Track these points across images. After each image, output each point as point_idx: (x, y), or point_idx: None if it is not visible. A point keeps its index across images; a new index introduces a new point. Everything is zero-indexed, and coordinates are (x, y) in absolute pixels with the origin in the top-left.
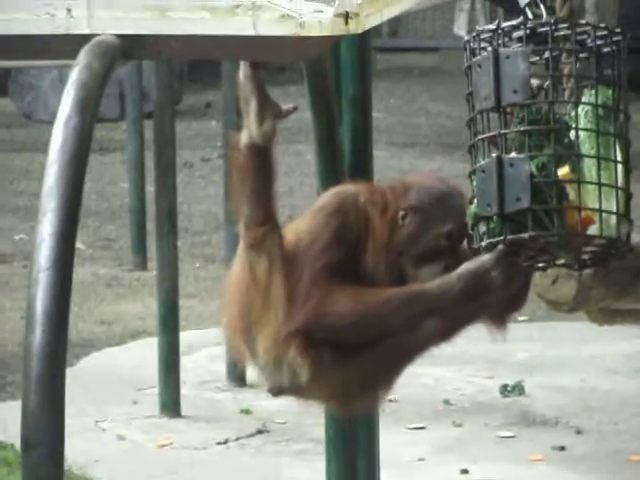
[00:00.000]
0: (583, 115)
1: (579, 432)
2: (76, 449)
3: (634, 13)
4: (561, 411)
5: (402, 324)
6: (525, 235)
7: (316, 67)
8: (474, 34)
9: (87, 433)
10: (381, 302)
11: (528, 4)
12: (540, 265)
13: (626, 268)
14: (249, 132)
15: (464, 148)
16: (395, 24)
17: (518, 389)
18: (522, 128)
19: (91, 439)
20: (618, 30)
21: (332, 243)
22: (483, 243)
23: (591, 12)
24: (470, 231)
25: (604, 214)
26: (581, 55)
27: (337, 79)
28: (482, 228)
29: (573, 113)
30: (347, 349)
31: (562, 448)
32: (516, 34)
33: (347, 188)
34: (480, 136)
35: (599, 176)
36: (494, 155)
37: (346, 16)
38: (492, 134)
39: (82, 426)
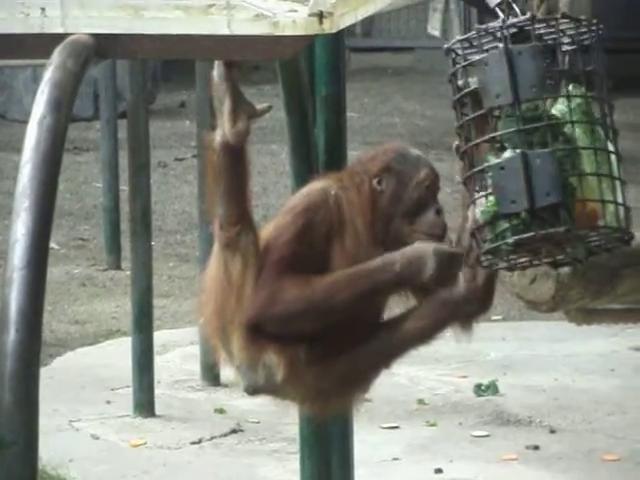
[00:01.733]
0: (573, 111)
1: (553, 431)
2: (50, 449)
3: (607, 14)
4: (535, 410)
5: (350, 302)
6: (561, 229)
7: (290, 66)
8: (458, 39)
9: (61, 433)
10: (328, 284)
11: (498, 4)
12: (546, 261)
13: (604, 268)
14: (222, 132)
15: (438, 147)
16: (369, 24)
17: (492, 388)
18: (539, 124)
19: (65, 439)
20: (595, 22)
21: (293, 239)
22: (509, 240)
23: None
24: (475, 231)
25: (612, 205)
26: (565, 49)
27: (311, 79)
28: (502, 226)
29: (553, 110)
30: (323, 351)
31: (536, 447)
32: (502, 33)
33: (316, 185)
34: (493, 134)
35: (618, 170)
36: (518, 151)
37: (320, 16)
38: (510, 130)
39: (56, 426)
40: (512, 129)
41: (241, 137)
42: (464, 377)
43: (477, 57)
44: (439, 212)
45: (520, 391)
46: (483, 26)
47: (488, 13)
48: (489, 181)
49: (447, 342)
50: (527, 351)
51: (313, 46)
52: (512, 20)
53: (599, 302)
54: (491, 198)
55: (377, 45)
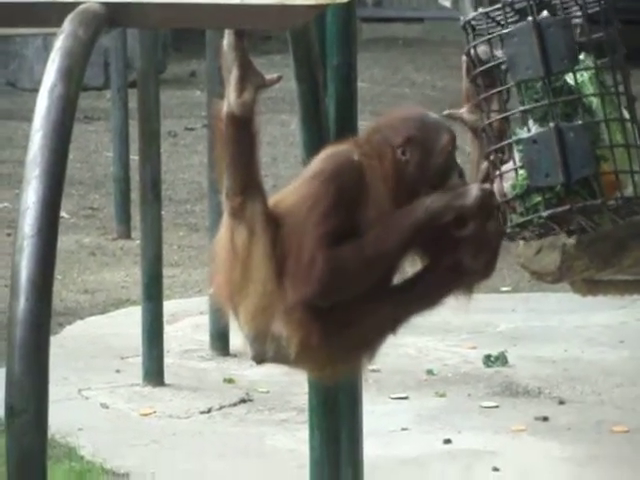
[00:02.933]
0: (588, 81)
1: (562, 402)
2: (59, 417)
3: None
4: (544, 381)
5: (397, 250)
6: (597, 201)
7: (301, 36)
8: (478, 13)
9: (70, 401)
10: (375, 240)
11: None
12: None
13: (609, 239)
14: (228, 102)
15: (448, 118)
16: None
17: (501, 359)
18: (573, 97)
19: (74, 407)
20: None
21: (332, 209)
22: (544, 214)
23: None
24: (505, 204)
25: (637, 174)
26: (577, 22)
27: (322, 48)
28: (534, 199)
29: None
30: (337, 320)
31: (545, 418)
32: (519, 6)
33: (338, 149)
34: (521, 108)
35: (635, 138)
36: (550, 124)
37: None
38: (542, 104)
39: (66, 394)
40: (543, 102)
41: (247, 107)
42: (473, 348)
43: (504, 30)
44: (462, 175)
45: (529, 362)
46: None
47: None
48: (517, 154)
49: (456, 313)
50: (537, 322)
51: (324, 16)
52: None
53: (604, 273)
54: (522, 171)
55: (388, 15)
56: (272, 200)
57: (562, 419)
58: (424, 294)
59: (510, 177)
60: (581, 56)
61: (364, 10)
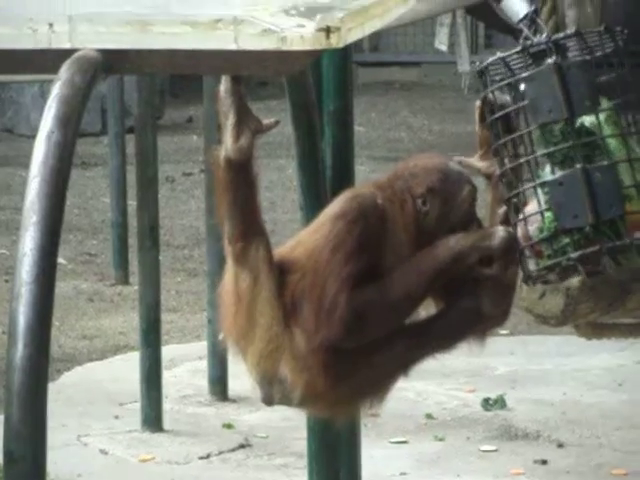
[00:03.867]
0: (604, 122)
1: (561, 446)
2: (58, 464)
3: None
4: (543, 425)
5: (424, 291)
6: (627, 241)
7: (297, 81)
8: (495, 58)
9: (69, 448)
10: (400, 281)
11: (522, 20)
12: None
13: (614, 282)
14: (225, 147)
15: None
16: (376, 39)
17: (500, 403)
18: (594, 138)
19: (73, 454)
20: (619, 29)
21: (356, 251)
22: (573, 255)
23: (571, 28)
24: (529, 248)
25: None
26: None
27: (318, 93)
28: (562, 241)
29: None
30: (346, 365)
31: (544, 462)
32: (549, 47)
33: (362, 190)
34: (544, 150)
35: None
36: (577, 166)
37: (327, 30)
38: (563, 147)
39: (64, 441)
40: (565, 144)
41: (244, 152)
42: (472, 391)
43: (523, 74)
44: (480, 225)
45: (528, 405)
46: (528, 42)
47: (502, 30)
48: (542, 197)
49: (455, 356)
50: (535, 365)
51: (320, 61)
52: (558, 35)
53: (609, 316)
54: (548, 214)
55: (384, 60)
56: (288, 245)
57: (561, 462)
58: (439, 338)
59: (535, 220)
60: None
61: (360, 55)
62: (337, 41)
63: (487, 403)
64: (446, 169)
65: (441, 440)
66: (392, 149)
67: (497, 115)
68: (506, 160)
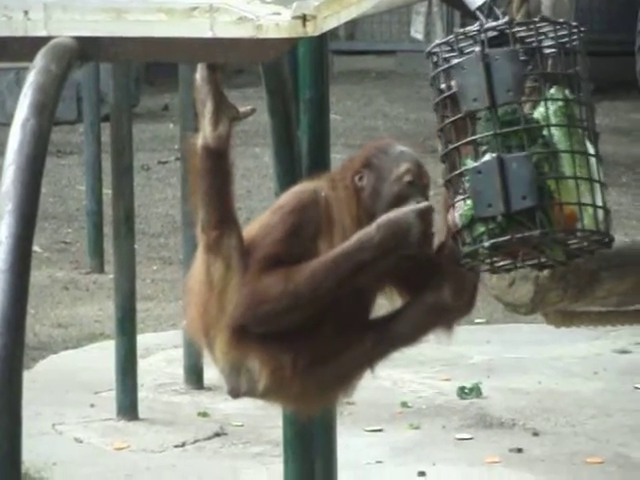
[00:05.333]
0: (553, 114)
1: (536, 434)
2: (33, 452)
3: (589, 17)
4: (518, 413)
5: (335, 287)
6: (536, 232)
7: (274, 69)
8: (438, 43)
9: (44, 436)
10: (309, 272)
11: (479, 8)
12: (529, 264)
13: (582, 270)
14: (203, 135)
15: (421, 150)
16: (352, 27)
17: (475, 391)
18: (516, 128)
19: (48, 442)
20: (575, 23)
21: (280, 239)
22: (485, 244)
23: (547, 15)
24: (456, 234)
25: (591, 208)
26: (547, 52)
27: (295, 81)
28: (479, 229)
29: (535, 114)
30: (308, 356)
31: (519, 450)
32: (480, 37)
33: (306, 185)
34: (471, 137)
35: (598, 172)
36: (494, 155)
37: (304, 18)
38: (490, 134)
39: (39, 429)
40: (489, 133)
41: (222, 140)
42: (448, 380)
43: (456, 60)
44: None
45: (503, 394)
46: (462, 30)
47: (470, 16)
48: (467, 185)
49: (430, 345)
50: (511, 354)
51: (296, 49)
52: (490, 24)
53: (578, 305)
54: (469, 202)
55: (360, 48)
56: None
57: (536, 451)
58: (405, 332)
59: (460, 207)
60: (552, 89)
61: (336, 43)
62: (313, 29)
63: (463, 392)
64: (386, 147)
65: (417, 428)
66: (368, 137)
67: (436, 100)
68: (448, 145)
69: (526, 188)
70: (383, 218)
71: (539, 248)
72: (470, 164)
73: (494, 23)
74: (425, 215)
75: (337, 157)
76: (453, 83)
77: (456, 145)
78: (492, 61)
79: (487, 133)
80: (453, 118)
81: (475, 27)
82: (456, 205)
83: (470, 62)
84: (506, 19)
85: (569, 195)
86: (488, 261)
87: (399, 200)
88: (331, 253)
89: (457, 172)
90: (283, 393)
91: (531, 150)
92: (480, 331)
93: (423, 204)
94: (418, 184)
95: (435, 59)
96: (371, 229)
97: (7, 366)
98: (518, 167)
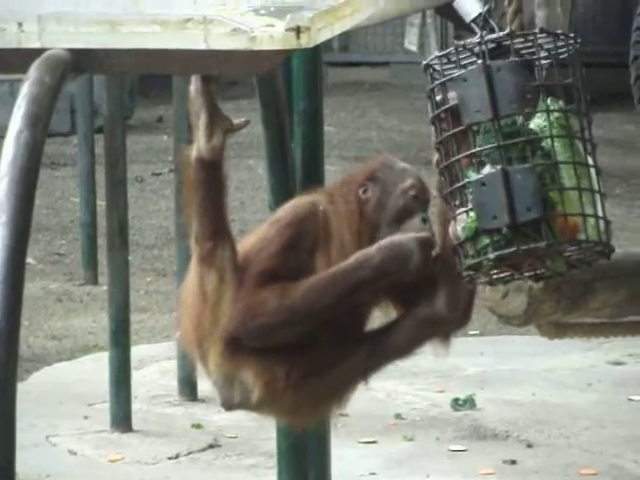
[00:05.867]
0: (551, 125)
1: (530, 446)
2: (27, 464)
3: (583, 29)
4: (512, 425)
5: (332, 305)
6: (542, 244)
7: (267, 81)
8: (435, 56)
9: (38, 448)
10: (306, 289)
11: (474, 20)
12: (527, 275)
13: (576, 282)
14: (198, 147)
15: (415, 162)
16: (346, 39)
17: (469, 403)
18: (520, 139)
19: (42, 454)
20: (572, 35)
21: (276, 253)
22: (491, 256)
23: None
24: (457, 247)
25: (592, 219)
26: (543, 64)
27: (288, 93)
28: (483, 242)
29: (532, 125)
30: (301, 369)
31: (513, 462)
32: (478, 49)
33: (303, 199)
34: (471, 150)
35: (598, 183)
36: (497, 167)
37: (297, 30)
38: (493, 146)
39: (33, 441)
40: (491, 145)
41: (216, 152)
42: (441, 392)
43: (456, 73)
44: (425, 221)
45: (497, 405)
46: (461, 42)
47: (464, 28)
48: (469, 197)
49: (425, 357)
50: (504, 366)
51: (290, 61)
52: (490, 36)
53: (571, 316)
54: (472, 214)
55: (354, 60)
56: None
57: (530, 462)
58: (399, 344)
59: (462, 220)
60: (548, 100)
61: (330, 55)
62: (307, 41)
63: (456, 403)
64: (390, 162)
65: (410, 440)
66: (362, 149)
67: (435, 113)
68: (441, 157)
69: (531, 199)
70: (385, 241)
71: (542, 259)
72: (472, 176)
73: (494, 35)
74: (427, 244)
75: (331, 169)
76: (452, 95)
77: (458, 157)
78: (494, 73)
79: (490, 145)
80: (455, 130)
81: (475, 39)
82: (458, 218)
83: (472, 74)
84: (506, 31)
85: (571, 206)
86: (489, 273)
87: (403, 214)
88: (329, 271)
89: (459, 184)
90: (276, 405)
91: (533, 162)
92: (474, 343)
93: (425, 235)
94: (421, 199)
95: (432, 72)
96: (372, 250)
97: (1, 378)
98: (522, 179)
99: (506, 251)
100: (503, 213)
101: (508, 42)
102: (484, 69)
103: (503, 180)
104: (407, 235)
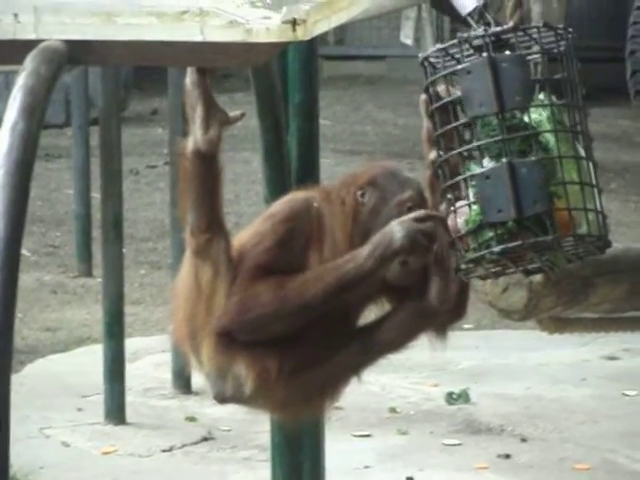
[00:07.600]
0: (546, 120)
1: (524, 440)
2: (20, 456)
3: (579, 23)
4: (506, 419)
5: (326, 299)
6: (548, 237)
7: (263, 74)
8: (435, 49)
9: (31, 440)
10: (300, 284)
11: (470, 14)
12: (521, 269)
13: (577, 276)
14: (194, 139)
15: (411, 156)
16: (342, 32)
17: (464, 397)
18: (526, 133)
19: (35, 446)
20: (568, 29)
21: (270, 248)
22: (496, 249)
23: (537, 21)
24: (457, 240)
25: (592, 213)
26: (536, 58)
27: (284, 86)
28: (486, 235)
29: (525, 119)
30: (294, 362)
31: (507, 456)
32: (478, 42)
33: (299, 195)
34: (475, 144)
35: (595, 177)
36: (502, 160)
37: (294, 23)
38: (495, 140)
39: (26, 433)
40: (494, 138)
41: (213, 144)
42: (436, 385)
43: (459, 66)
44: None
45: (492, 400)
46: (465, 35)
47: (460, 22)
48: (471, 190)
49: (419, 350)
50: (499, 360)
51: (286, 53)
52: (495, 29)
53: (571, 311)
54: (475, 207)
55: (350, 53)
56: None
57: (524, 457)
58: (392, 338)
59: (464, 213)
60: (540, 95)
61: (326, 48)
62: (303, 33)
63: (451, 397)
64: (394, 170)
65: (404, 434)
66: (357, 143)
67: (433, 107)
68: (441, 152)
69: (537, 193)
70: (374, 236)
71: (542, 253)
72: (475, 169)
73: (499, 28)
74: (418, 221)
75: (326, 162)
76: (441, 88)
77: (460, 150)
78: (499, 65)
79: (494, 138)
80: (458, 123)
81: (479, 32)
82: (458, 211)
83: (476, 66)
84: (510, 24)
85: (574, 200)
86: (486, 267)
87: None
88: (324, 267)
89: (462, 177)
90: (269, 399)
91: (535, 156)
92: (468, 337)
93: (419, 225)
94: (416, 209)
95: (427, 64)
96: (363, 248)
97: None
98: (528, 172)
99: (511, 244)
100: (509, 206)
101: (510, 36)
102: (489, 62)
103: (509, 173)
104: (397, 224)
